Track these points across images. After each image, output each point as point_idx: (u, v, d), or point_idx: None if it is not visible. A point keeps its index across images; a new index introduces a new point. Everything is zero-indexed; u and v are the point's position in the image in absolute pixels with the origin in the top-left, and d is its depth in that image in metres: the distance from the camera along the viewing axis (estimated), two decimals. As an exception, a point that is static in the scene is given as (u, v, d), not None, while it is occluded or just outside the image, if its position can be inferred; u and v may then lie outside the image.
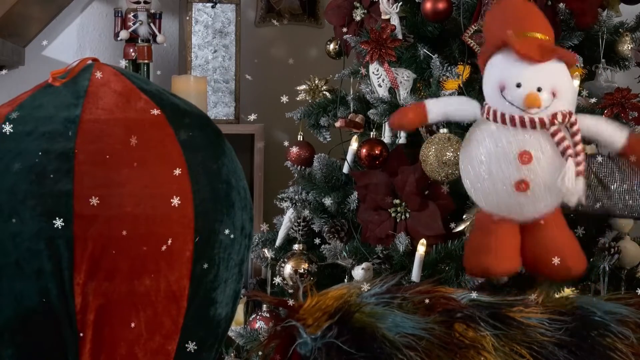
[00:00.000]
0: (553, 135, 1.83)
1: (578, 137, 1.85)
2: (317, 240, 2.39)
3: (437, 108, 1.96)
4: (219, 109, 3.19)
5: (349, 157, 2.45)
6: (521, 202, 1.86)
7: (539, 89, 1.83)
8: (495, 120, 1.86)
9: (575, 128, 1.85)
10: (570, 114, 1.86)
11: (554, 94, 1.84)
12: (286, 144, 2.61)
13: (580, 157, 1.83)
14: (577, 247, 1.93)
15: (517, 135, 1.84)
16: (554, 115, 1.83)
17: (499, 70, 1.88)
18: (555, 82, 1.85)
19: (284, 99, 2.53)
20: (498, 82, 1.86)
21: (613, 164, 2.09)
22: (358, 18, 2.39)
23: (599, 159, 2.07)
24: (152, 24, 3.13)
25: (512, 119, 1.83)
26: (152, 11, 3.13)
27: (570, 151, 1.82)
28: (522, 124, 1.83)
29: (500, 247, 1.89)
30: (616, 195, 2.08)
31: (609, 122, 1.92)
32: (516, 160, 1.83)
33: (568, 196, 1.83)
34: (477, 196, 1.92)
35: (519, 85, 1.83)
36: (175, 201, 1.63)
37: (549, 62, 1.84)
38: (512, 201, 1.86)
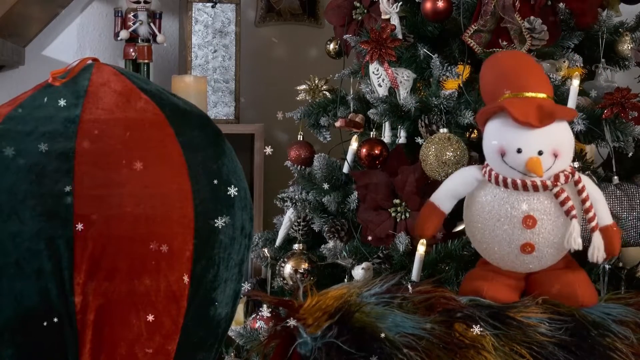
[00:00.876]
0: (557, 195, 1.82)
1: (585, 194, 1.85)
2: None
3: (445, 199, 1.94)
4: (219, 109, 3.19)
5: (349, 157, 2.45)
6: (527, 261, 1.87)
7: (540, 152, 1.81)
8: (497, 184, 1.85)
9: (580, 186, 1.85)
10: (572, 172, 1.85)
11: (555, 155, 1.83)
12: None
13: (592, 213, 1.84)
14: (588, 281, 1.93)
15: (521, 198, 1.84)
16: (557, 177, 1.83)
17: (498, 135, 1.86)
18: (556, 144, 1.83)
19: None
20: (498, 147, 1.85)
21: (621, 192, 2.08)
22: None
23: (608, 190, 2.07)
24: (152, 24, 3.13)
25: (515, 183, 1.83)
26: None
27: (574, 212, 1.82)
28: (525, 188, 1.83)
29: (500, 277, 1.89)
30: (628, 224, 2.08)
31: (602, 199, 1.91)
32: (520, 224, 1.83)
33: (591, 254, 1.85)
34: (484, 253, 1.93)
35: (519, 151, 1.82)
36: (175, 201, 1.63)
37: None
38: (519, 261, 1.87)
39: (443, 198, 1.94)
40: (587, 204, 1.84)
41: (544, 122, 1.81)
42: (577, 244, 1.81)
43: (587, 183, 1.90)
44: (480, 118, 1.92)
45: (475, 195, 1.90)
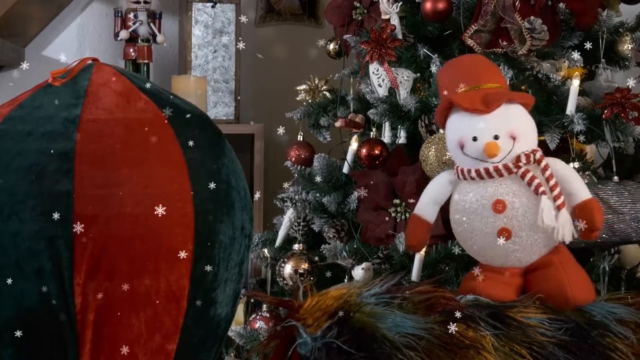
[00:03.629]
0: (522, 177, 1.82)
1: (549, 172, 1.83)
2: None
3: (427, 207, 1.95)
4: (219, 109, 3.19)
5: (349, 157, 2.45)
6: (510, 248, 1.86)
7: (496, 137, 1.83)
8: (465, 178, 1.87)
9: (543, 164, 1.84)
10: (534, 152, 1.85)
11: (513, 138, 1.84)
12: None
13: (557, 191, 1.82)
14: (584, 282, 1.90)
15: (488, 186, 1.85)
16: (518, 158, 1.83)
17: (454, 129, 1.89)
18: (512, 126, 1.84)
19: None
20: (457, 140, 1.87)
21: (622, 187, 2.07)
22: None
23: (609, 185, 2.06)
24: (152, 24, 3.13)
25: (478, 172, 1.84)
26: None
27: (542, 189, 1.80)
28: (489, 174, 1.84)
29: (496, 275, 1.89)
30: (628, 219, 2.06)
31: (577, 176, 1.89)
32: (491, 211, 1.83)
33: (556, 232, 1.81)
34: (473, 252, 1.93)
35: (475, 139, 1.84)
36: (175, 201, 1.63)
37: (501, 109, 1.84)
38: (503, 250, 1.86)
39: (424, 207, 1.95)
40: (552, 181, 1.83)
41: (491, 106, 1.84)
42: (549, 219, 1.79)
43: (555, 162, 1.89)
44: (438, 119, 1.95)
45: (452, 197, 1.92)
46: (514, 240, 1.84)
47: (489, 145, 1.82)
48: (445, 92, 1.92)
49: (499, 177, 1.84)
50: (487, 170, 1.84)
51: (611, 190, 2.05)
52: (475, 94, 1.86)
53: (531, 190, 1.82)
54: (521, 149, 1.84)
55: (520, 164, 1.83)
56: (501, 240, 1.83)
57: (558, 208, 1.81)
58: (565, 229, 1.81)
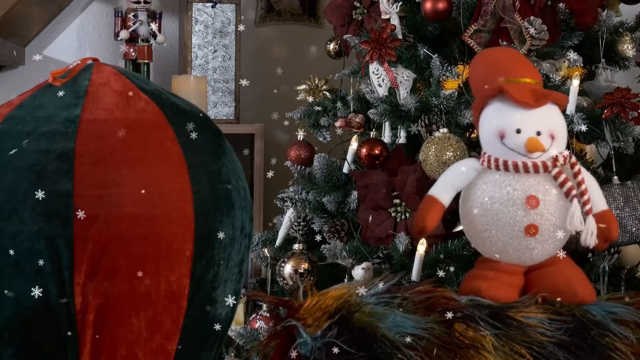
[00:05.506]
0: (556, 177, 1.83)
1: (581, 177, 1.85)
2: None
3: (444, 191, 1.93)
4: (219, 109, 3.19)
5: (349, 157, 2.45)
6: (531, 245, 1.86)
7: (539, 133, 1.84)
8: (497, 168, 1.86)
9: (576, 168, 1.85)
10: (570, 155, 1.87)
11: (552, 137, 1.85)
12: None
13: (587, 197, 1.84)
14: (586, 279, 1.92)
15: (522, 180, 1.84)
16: (556, 158, 1.84)
17: (496, 118, 1.88)
18: (553, 125, 1.86)
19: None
20: (497, 130, 1.86)
21: (635, 186, 2.08)
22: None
23: (618, 185, 2.06)
24: (152, 24, 3.13)
25: (515, 165, 1.84)
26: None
27: (574, 192, 1.82)
28: (526, 169, 1.84)
29: (499, 275, 1.89)
30: (624, 222, 2.06)
31: (598, 187, 1.91)
32: (524, 205, 1.83)
33: (584, 237, 1.83)
34: (485, 245, 1.92)
35: (518, 131, 1.84)
36: (175, 201, 1.63)
37: (546, 106, 1.86)
38: (522, 246, 1.86)
39: (442, 190, 1.93)
40: (583, 186, 1.84)
41: (540, 102, 1.85)
42: (579, 222, 1.81)
43: (582, 168, 1.90)
44: (477, 104, 1.94)
45: (474, 185, 1.90)
46: (537, 237, 1.85)
47: (531, 140, 1.82)
48: (481, 84, 1.92)
49: (534, 173, 1.84)
50: (525, 165, 1.84)
51: (623, 189, 2.05)
52: (523, 86, 1.87)
53: (561, 192, 1.83)
54: (557, 149, 1.86)
55: (558, 163, 1.84)
56: (530, 241, 1.83)
57: (586, 213, 1.83)
58: (592, 235, 1.84)
